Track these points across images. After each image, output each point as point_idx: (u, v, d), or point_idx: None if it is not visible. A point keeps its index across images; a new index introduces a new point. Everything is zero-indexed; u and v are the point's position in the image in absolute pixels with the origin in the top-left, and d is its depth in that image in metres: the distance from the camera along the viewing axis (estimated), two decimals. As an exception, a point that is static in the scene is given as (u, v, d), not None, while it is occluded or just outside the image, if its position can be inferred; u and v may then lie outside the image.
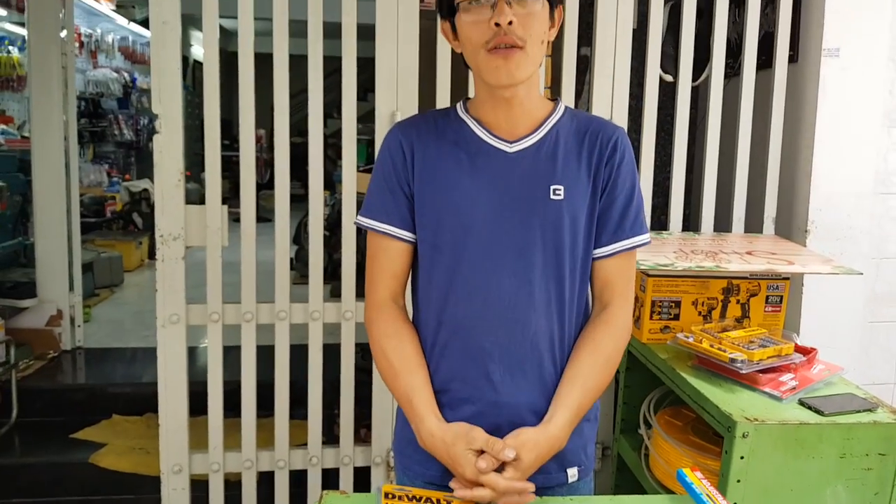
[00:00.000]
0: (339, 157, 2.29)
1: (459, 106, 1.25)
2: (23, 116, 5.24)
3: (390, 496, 1.02)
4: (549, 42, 1.16)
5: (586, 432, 1.25)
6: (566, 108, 1.24)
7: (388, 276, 1.22)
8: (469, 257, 1.16)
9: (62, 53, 3.52)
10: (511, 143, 1.18)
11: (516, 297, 1.16)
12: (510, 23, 1.06)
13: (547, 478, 1.19)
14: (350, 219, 2.26)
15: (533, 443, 1.08)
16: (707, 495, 1.05)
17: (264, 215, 2.52)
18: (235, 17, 2.07)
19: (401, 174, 1.20)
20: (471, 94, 2.14)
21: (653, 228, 2.29)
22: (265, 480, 2.39)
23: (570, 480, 1.22)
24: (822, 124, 2.19)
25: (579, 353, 1.19)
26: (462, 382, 1.18)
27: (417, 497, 1.03)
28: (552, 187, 1.16)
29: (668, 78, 2.32)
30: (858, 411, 1.52)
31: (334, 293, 2.89)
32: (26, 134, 4.47)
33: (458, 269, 1.16)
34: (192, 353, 2.30)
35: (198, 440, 2.29)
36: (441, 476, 1.16)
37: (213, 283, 2.19)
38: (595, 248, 1.22)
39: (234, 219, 2.18)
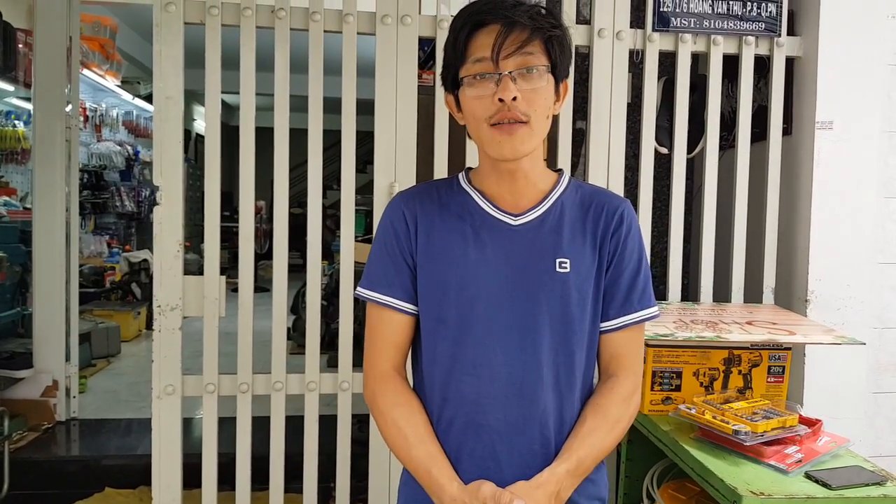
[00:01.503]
0: (337, 227, 2.31)
1: (462, 177, 1.24)
2: (25, 188, 5.32)
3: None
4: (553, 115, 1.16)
5: None
6: (570, 179, 1.24)
7: (389, 348, 1.19)
8: (474, 332, 1.14)
9: (67, 127, 3.60)
10: (515, 215, 1.17)
11: (523, 373, 1.13)
12: (514, 98, 1.06)
13: None
14: (348, 289, 2.26)
15: (526, 494, 1.06)
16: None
17: (262, 285, 2.54)
18: (236, 93, 2.13)
19: (403, 245, 1.18)
20: (468, 163, 2.19)
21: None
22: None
23: None
24: (818, 195, 2.23)
25: (582, 414, 1.18)
26: (469, 462, 1.14)
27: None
28: (558, 260, 1.15)
29: (663, 150, 2.37)
30: (867, 485, 1.48)
31: (331, 363, 2.87)
32: (28, 205, 4.52)
33: (463, 344, 1.14)
34: (187, 424, 2.26)
35: (190, 516, 2.23)
36: None
37: (209, 354, 2.18)
38: (602, 322, 1.20)
39: (233, 289, 2.18)
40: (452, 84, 1.15)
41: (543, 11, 1.10)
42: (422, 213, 1.19)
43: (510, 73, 1.07)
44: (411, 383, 1.25)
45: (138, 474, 2.87)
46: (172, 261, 2.14)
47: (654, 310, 1.22)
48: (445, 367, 1.16)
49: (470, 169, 1.27)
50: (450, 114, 1.21)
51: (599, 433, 1.14)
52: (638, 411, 1.23)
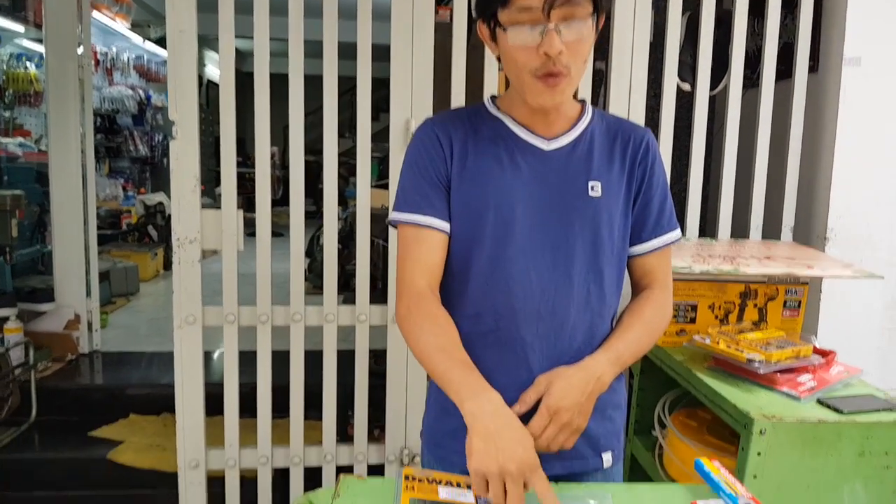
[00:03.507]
0: (350, 174, 2.32)
1: (489, 103, 1.24)
2: (39, 131, 5.33)
3: (410, 479, 1.01)
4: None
5: (617, 420, 1.26)
6: (594, 108, 1.26)
7: (425, 266, 1.18)
8: (510, 251, 1.16)
9: (79, 66, 3.58)
10: (548, 140, 1.19)
11: (556, 291, 1.16)
12: (559, 52, 1.05)
13: (584, 463, 1.21)
14: (364, 226, 2.28)
15: (564, 375, 1.10)
16: (725, 483, 1.04)
17: (277, 230, 2.60)
18: (247, 38, 2.09)
19: (438, 166, 1.18)
20: (486, 97, 2.17)
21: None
22: (280, 478, 2.39)
23: (606, 466, 1.23)
24: (842, 133, 2.20)
25: (619, 318, 1.24)
26: (503, 372, 1.16)
27: (438, 480, 1.02)
28: (590, 183, 1.18)
29: (686, 87, 2.34)
30: (879, 410, 1.50)
31: (346, 303, 2.90)
32: (43, 148, 4.54)
33: (497, 262, 1.16)
34: (208, 358, 2.31)
35: (214, 438, 2.30)
36: None
37: (228, 285, 2.21)
38: (635, 245, 1.25)
39: (249, 233, 2.21)
40: (488, 14, 1.11)
41: None
42: (455, 136, 1.19)
43: (556, 25, 1.04)
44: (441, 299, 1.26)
45: (161, 403, 2.95)
46: (190, 195, 2.15)
47: (678, 232, 1.28)
48: (479, 285, 1.18)
49: (495, 96, 1.27)
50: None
51: (636, 330, 1.19)
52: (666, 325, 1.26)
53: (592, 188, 1.18)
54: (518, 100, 1.19)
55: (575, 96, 1.25)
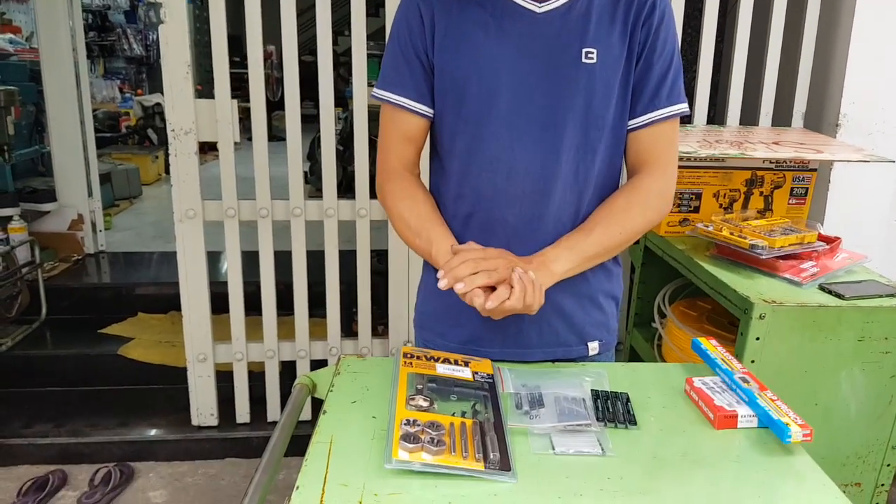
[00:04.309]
0: (350, 75, 2.24)
1: None
2: (30, 28, 5.16)
3: (409, 356, 1.02)
4: None
5: (608, 309, 1.22)
6: None
7: (400, 147, 1.16)
8: (494, 126, 1.09)
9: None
10: (540, 2, 1.09)
11: (542, 168, 1.09)
12: None
13: (567, 350, 1.18)
14: (362, 116, 2.22)
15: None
16: (721, 359, 1.04)
17: (278, 134, 2.54)
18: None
19: (418, 42, 1.11)
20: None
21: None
22: (286, 372, 2.45)
23: (591, 353, 1.20)
24: (861, 13, 2.08)
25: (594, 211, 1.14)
26: None
27: (436, 357, 1.03)
28: (584, 50, 1.07)
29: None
30: (880, 296, 1.49)
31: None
32: (35, 45, 4.40)
33: (481, 139, 1.10)
34: (213, 260, 2.31)
35: (221, 334, 2.34)
36: (460, 346, 1.17)
37: (227, 179, 2.18)
38: (629, 119, 1.12)
39: (249, 137, 2.17)
40: None
41: None
42: (438, 4, 1.11)
43: None
44: (429, 179, 1.23)
45: (168, 301, 2.98)
46: (182, 83, 2.10)
47: (683, 106, 1.13)
48: (463, 163, 1.13)
49: None
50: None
51: (600, 223, 1.10)
52: (653, 233, 1.15)
53: (587, 55, 1.06)
54: None
55: None
